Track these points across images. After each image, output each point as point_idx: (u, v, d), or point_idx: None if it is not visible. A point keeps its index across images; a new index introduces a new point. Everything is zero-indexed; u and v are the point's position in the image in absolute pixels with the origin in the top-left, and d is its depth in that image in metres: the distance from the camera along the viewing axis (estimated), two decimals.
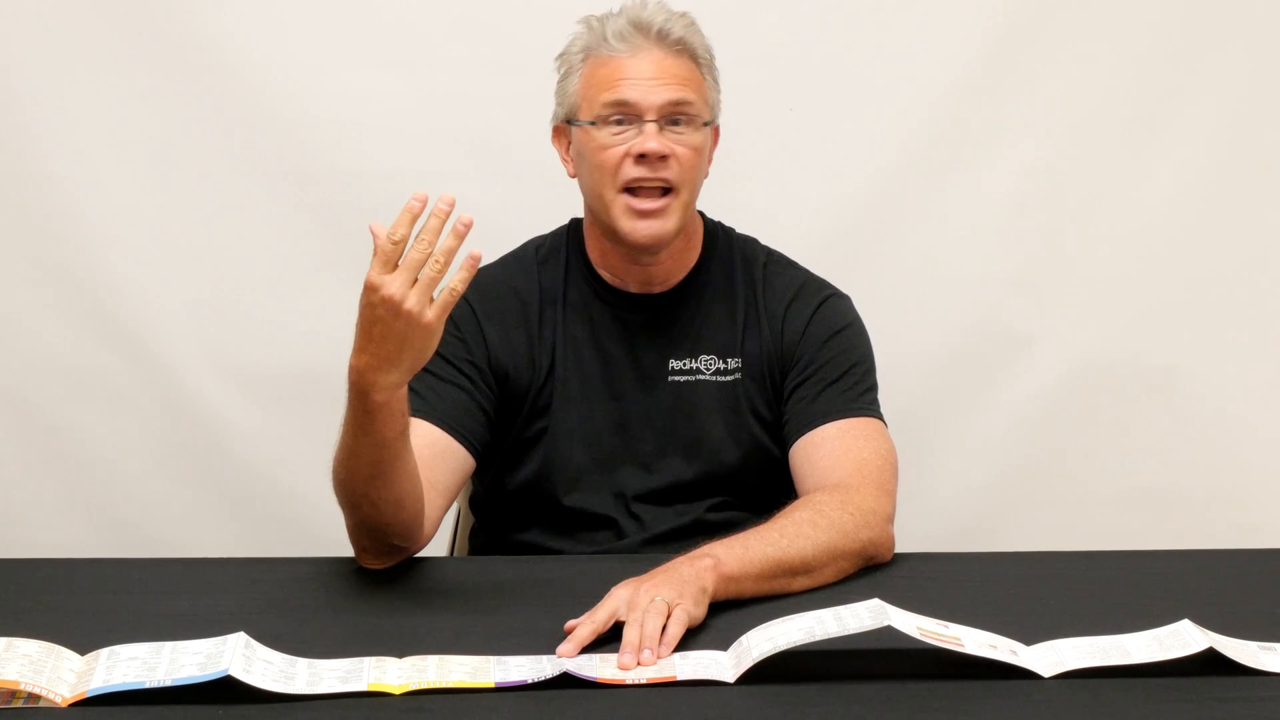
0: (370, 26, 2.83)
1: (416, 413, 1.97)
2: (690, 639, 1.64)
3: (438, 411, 2.03)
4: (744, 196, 2.48)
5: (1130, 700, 1.50)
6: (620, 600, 1.65)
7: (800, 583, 1.84)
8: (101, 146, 2.83)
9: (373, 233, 1.69)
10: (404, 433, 1.80)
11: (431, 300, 1.68)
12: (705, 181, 2.12)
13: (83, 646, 1.56)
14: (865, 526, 1.92)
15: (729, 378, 2.14)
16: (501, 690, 1.51)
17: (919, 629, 1.55)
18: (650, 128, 2.03)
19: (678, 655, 1.59)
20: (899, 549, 1.98)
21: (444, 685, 1.51)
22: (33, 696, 1.47)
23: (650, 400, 2.13)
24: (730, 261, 2.18)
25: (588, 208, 2.13)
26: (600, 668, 1.56)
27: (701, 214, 2.19)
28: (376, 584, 1.86)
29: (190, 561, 1.99)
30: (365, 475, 1.81)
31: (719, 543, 1.81)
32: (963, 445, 2.98)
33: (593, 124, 2.05)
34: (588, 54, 2.08)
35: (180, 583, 1.88)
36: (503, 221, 2.25)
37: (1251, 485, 3.01)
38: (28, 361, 2.89)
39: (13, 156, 2.82)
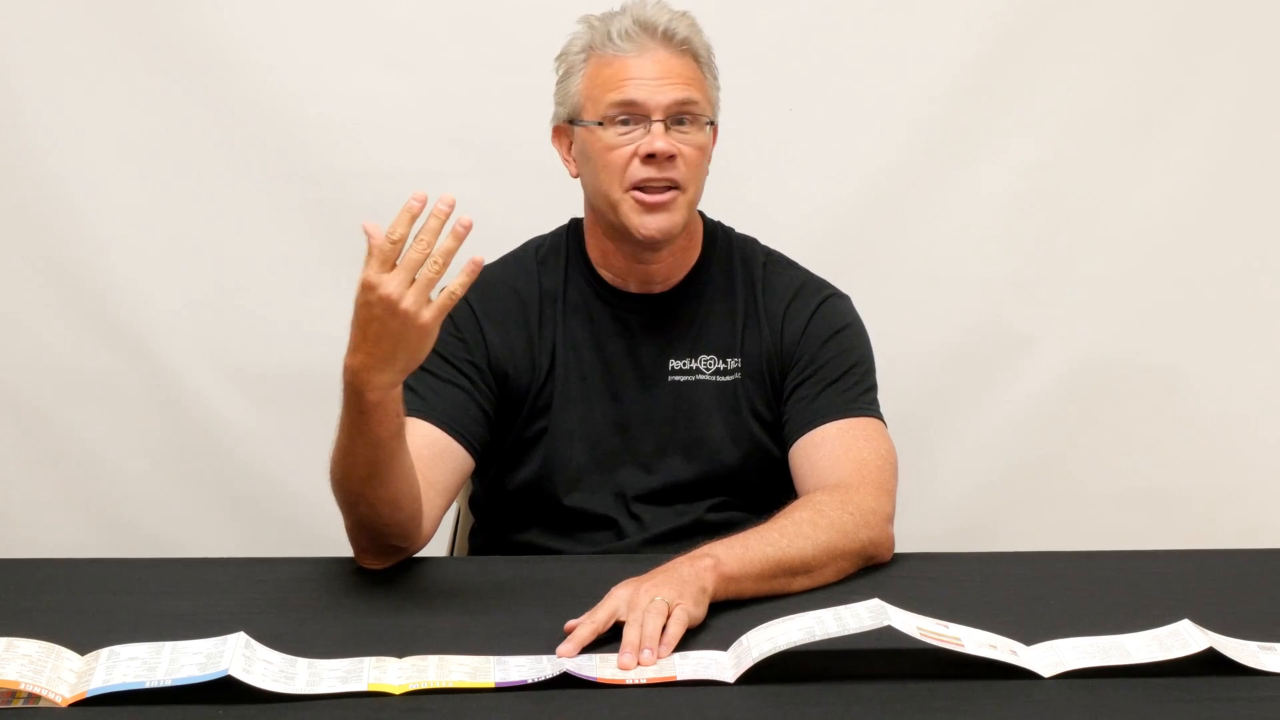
0: (370, 26, 2.83)
1: (416, 413, 1.97)
2: (690, 639, 1.64)
3: (437, 411, 2.03)
4: (744, 196, 2.48)
5: (1130, 700, 1.50)
6: (620, 600, 1.65)
7: (800, 583, 1.84)
8: (101, 146, 2.83)
9: (366, 232, 1.69)
10: (399, 432, 1.80)
11: (429, 301, 1.68)
12: (705, 181, 2.12)
13: (83, 646, 1.55)
14: (865, 526, 1.91)
15: (729, 378, 2.13)
16: (501, 690, 1.51)
17: (919, 629, 1.55)
18: (657, 128, 2.03)
19: (678, 655, 1.59)
20: (899, 549, 1.98)
21: (444, 685, 1.51)
22: (33, 696, 1.47)
23: (650, 400, 2.13)
24: (730, 261, 2.18)
25: (591, 207, 2.13)
26: (600, 668, 1.56)
27: (701, 214, 2.18)
28: (376, 584, 1.86)
29: (190, 561, 1.99)
30: (361, 475, 1.81)
31: (719, 543, 1.81)
32: (963, 445, 2.98)
33: (598, 124, 2.05)
34: (590, 54, 2.08)
35: (180, 583, 1.88)
36: (503, 221, 2.25)
37: (1251, 485, 3.00)
38: (28, 361, 2.89)
39: (13, 156, 2.82)
